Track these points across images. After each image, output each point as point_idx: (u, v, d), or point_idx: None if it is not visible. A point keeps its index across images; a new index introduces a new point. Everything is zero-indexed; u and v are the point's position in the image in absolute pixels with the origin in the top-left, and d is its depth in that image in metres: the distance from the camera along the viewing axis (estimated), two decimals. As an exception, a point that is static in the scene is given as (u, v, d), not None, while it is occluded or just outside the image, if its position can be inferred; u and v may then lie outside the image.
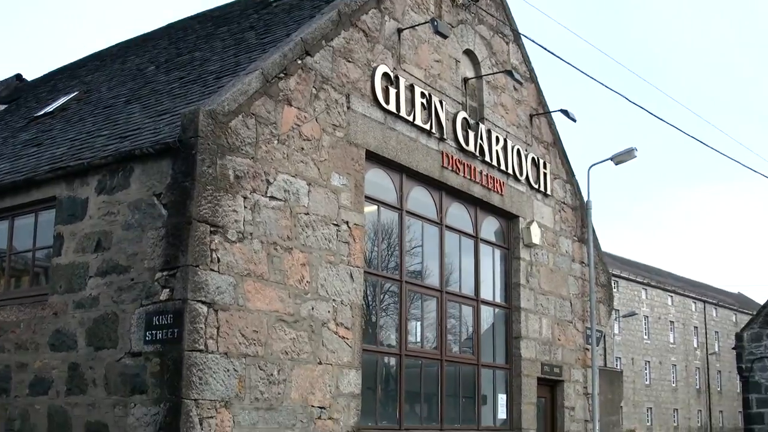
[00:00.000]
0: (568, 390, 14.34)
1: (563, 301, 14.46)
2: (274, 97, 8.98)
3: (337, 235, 9.68)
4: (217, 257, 8.13)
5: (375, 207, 10.76)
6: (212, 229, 8.10)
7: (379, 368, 10.76)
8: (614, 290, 53.67)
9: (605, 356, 51.65)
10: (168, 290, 7.96)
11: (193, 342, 7.78)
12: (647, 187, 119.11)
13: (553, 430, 14.14)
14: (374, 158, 10.61)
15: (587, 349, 15.08)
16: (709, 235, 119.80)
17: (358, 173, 10.13)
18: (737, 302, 75.96)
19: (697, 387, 68.72)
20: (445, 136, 11.80)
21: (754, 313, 23.99)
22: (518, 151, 13.51)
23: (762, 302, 22.91)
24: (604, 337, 52.87)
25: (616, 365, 52.39)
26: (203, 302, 7.92)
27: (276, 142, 8.96)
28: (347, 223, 9.85)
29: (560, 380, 14.16)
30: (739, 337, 22.78)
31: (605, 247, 18.49)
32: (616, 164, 16.26)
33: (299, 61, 9.36)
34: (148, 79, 12.24)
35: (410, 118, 11.09)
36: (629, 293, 58.20)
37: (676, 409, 64.64)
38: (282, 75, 9.09)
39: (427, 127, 11.41)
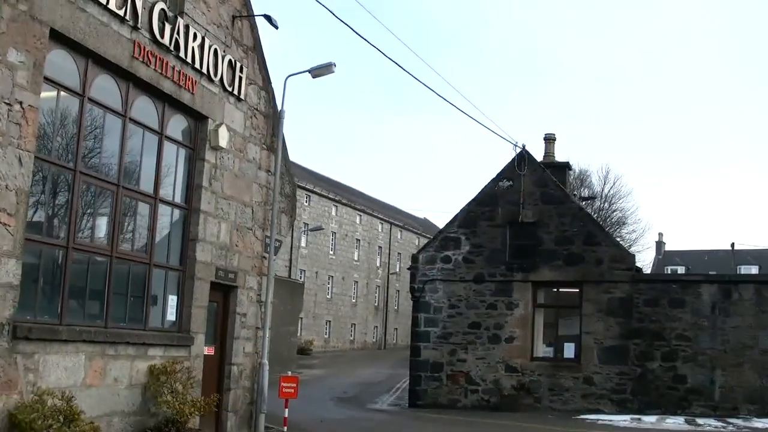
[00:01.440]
0: (241, 296, 14.51)
1: (245, 207, 14.51)
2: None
3: (8, 115, 8.92)
4: None
5: (55, 92, 10.01)
6: None
7: (44, 260, 10.18)
8: (306, 204, 55.06)
9: (290, 268, 52.88)
10: None
11: None
12: (348, 106, 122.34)
13: (223, 335, 14.26)
14: (60, 39, 9.84)
15: (265, 258, 15.32)
16: (402, 161, 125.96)
17: (39, 52, 9.36)
18: (422, 227, 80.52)
19: (376, 304, 72.36)
20: (139, 26, 11.21)
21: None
22: (215, 51, 13.20)
23: (444, 228, 24.45)
24: (291, 249, 53.38)
25: (300, 277, 53.71)
26: None
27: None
28: (21, 103, 9.09)
29: (234, 286, 14.27)
30: (414, 258, 24.29)
31: (300, 161, 18.87)
32: (314, 77, 16.36)
33: None
34: None
35: (104, 1, 10.40)
36: (320, 208, 59.62)
37: (354, 324, 67.63)
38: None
39: (122, 12, 10.76)
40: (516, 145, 23.24)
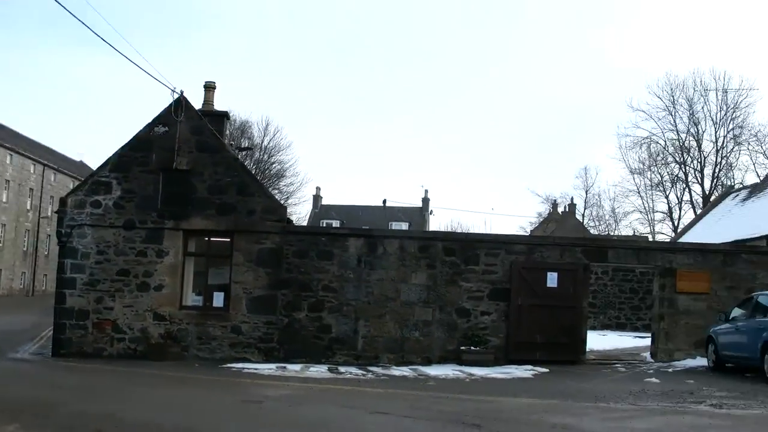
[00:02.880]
0: None
1: None
2: None
3: None
4: None
5: None
6: None
7: None
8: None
9: None
10: None
11: None
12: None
13: None
14: None
15: None
16: (61, 100, 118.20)
17: None
18: (78, 170, 76.51)
19: (25, 249, 68.00)
20: None
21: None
22: None
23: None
24: None
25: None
26: None
27: None
28: None
29: None
30: (63, 201, 22.76)
31: None
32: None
33: None
34: None
35: None
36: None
37: (1, 270, 63.44)
38: None
39: None
40: (174, 91, 22.55)
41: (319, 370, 19.99)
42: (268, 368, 19.97)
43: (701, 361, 21.69)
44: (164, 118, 22.64)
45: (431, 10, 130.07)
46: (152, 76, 51.53)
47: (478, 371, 19.89)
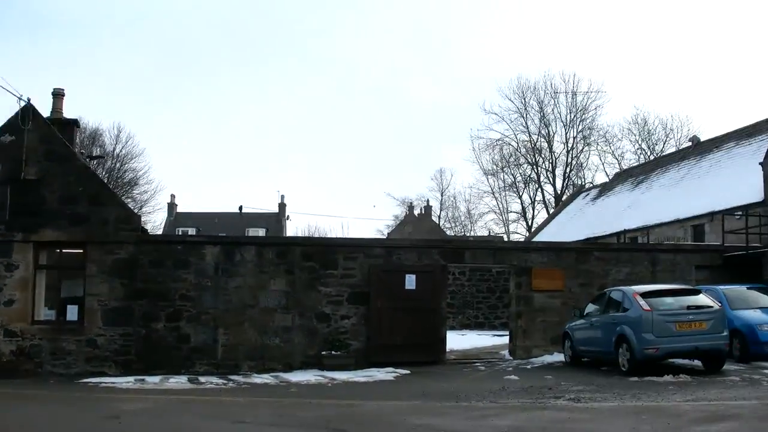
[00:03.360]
0: None
1: None
2: None
3: None
4: None
5: None
6: None
7: None
8: None
9: None
10: None
11: None
12: None
13: None
14: None
15: None
16: None
17: None
18: None
19: None
20: None
21: None
22: None
23: None
24: None
25: None
26: None
27: None
28: None
29: None
30: None
31: None
32: None
33: None
34: None
35: None
36: None
37: None
38: None
39: None
40: (21, 98, 21.75)
41: (178, 381, 19.71)
42: (126, 381, 19.52)
43: (558, 357, 22.57)
44: (10, 126, 21.81)
45: (278, 5, 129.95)
46: (-5, 81, 49.34)
47: (340, 375, 20.09)
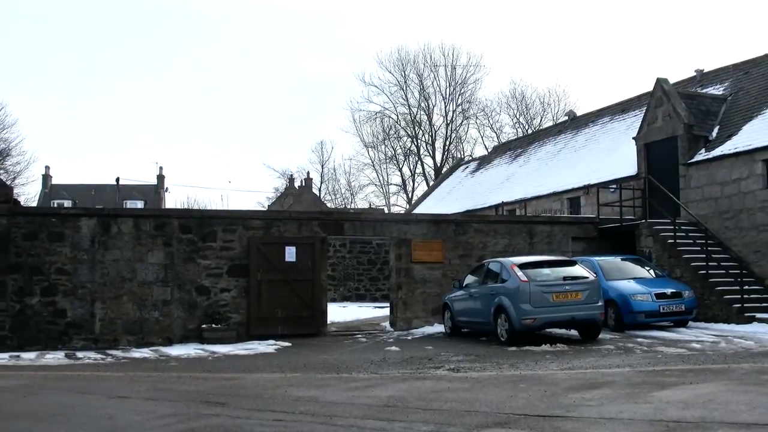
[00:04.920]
0: None
1: None
2: None
3: None
4: None
5: None
6: None
7: None
8: None
9: None
10: None
11: None
12: None
13: None
14: None
15: None
16: None
17: None
18: None
19: None
20: None
21: None
22: None
23: None
24: None
25: None
26: None
27: None
28: None
29: None
30: None
31: None
32: None
33: None
34: None
35: None
36: None
37: None
38: None
39: None
40: None
41: (55, 357, 19.37)
42: (0, 358, 19.08)
43: (439, 328, 23.14)
44: None
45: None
46: None
47: (221, 349, 20.13)
